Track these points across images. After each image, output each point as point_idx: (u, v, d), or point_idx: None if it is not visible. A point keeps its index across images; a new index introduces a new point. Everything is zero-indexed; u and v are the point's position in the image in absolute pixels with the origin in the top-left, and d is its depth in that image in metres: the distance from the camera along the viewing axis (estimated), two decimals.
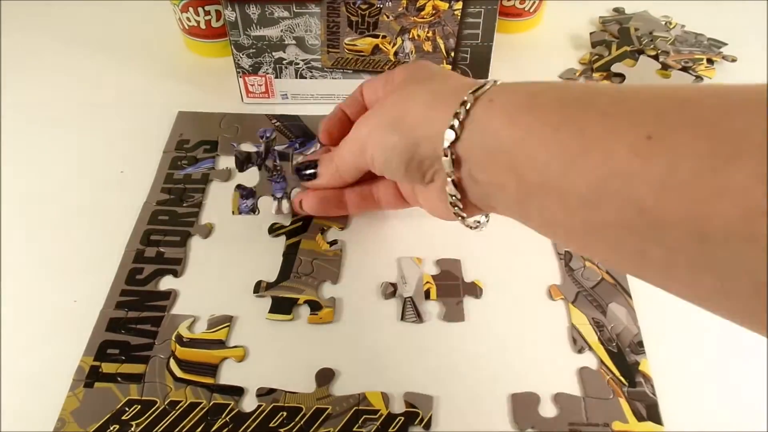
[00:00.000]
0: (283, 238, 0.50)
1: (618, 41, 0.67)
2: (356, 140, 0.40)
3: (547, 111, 0.30)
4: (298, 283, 0.47)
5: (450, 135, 0.33)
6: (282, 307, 0.46)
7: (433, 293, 0.46)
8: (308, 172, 0.46)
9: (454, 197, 0.35)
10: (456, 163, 0.34)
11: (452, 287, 0.46)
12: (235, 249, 0.50)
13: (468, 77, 0.38)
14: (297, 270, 0.48)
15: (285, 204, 0.50)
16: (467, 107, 0.33)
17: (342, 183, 0.45)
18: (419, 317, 0.45)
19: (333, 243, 0.50)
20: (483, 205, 0.36)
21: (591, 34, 0.69)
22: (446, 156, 0.34)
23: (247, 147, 0.53)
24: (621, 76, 0.63)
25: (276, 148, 0.49)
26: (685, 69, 0.64)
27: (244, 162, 0.50)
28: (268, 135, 0.50)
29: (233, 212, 0.50)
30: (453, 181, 0.34)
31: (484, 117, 0.32)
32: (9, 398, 0.41)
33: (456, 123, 0.33)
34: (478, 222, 0.39)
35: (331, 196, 0.47)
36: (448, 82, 0.37)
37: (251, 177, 0.50)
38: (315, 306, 0.46)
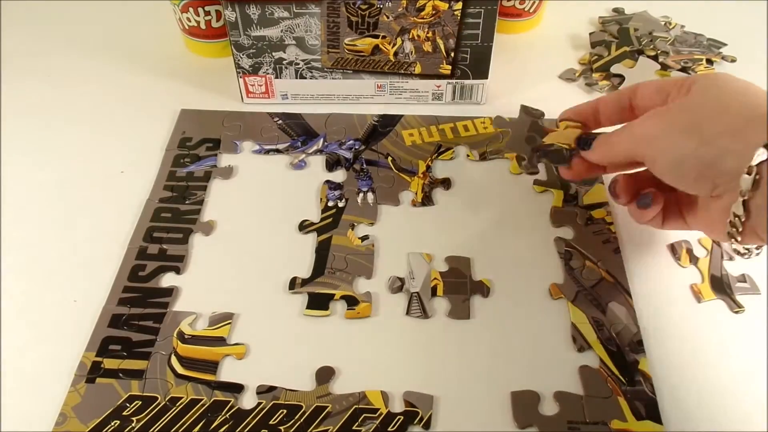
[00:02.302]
0: (308, 236, 0.50)
1: (617, 41, 0.68)
2: (640, 135, 0.39)
3: None
4: (333, 278, 0.47)
5: (763, 153, 0.32)
6: (319, 302, 0.46)
7: (440, 290, 0.46)
8: (587, 141, 0.44)
9: (737, 218, 0.34)
10: (756, 184, 0.32)
11: (459, 285, 0.47)
12: (238, 246, 0.50)
13: None
14: (331, 266, 0.48)
15: (370, 196, 0.52)
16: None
17: (608, 164, 0.44)
18: (424, 313, 0.45)
19: (364, 238, 0.50)
20: (765, 235, 0.34)
21: (590, 34, 0.70)
22: (749, 174, 0.32)
23: (339, 152, 0.57)
24: (620, 77, 0.63)
25: (363, 156, 0.56)
26: (684, 69, 0.64)
27: (333, 164, 0.55)
28: (356, 147, 0.57)
29: (321, 199, 0.53)
30: (744, 201, 0.33)
31: None
32: (11, 393, 0.41)
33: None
34: (748, 249, 0.39)
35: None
36: (764, 99, 0.35)
37: (336, 176, 0.55)
38: (351, 301, 0.46)
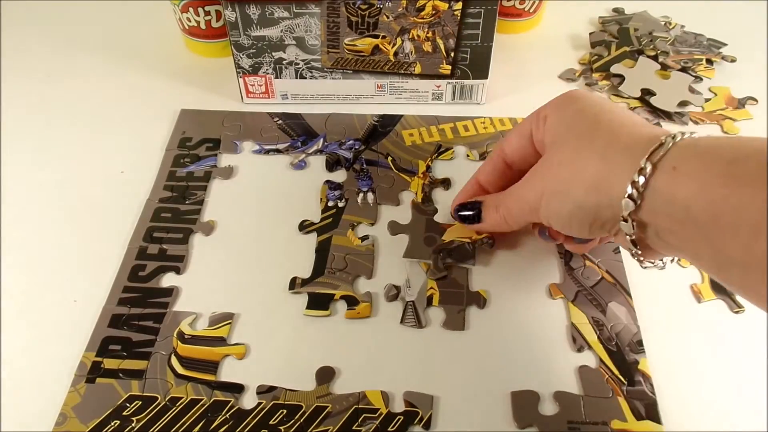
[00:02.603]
0: (308, 236, 0.50)
1: (617, 41, 0.68)
2: (525, 202, 0.40)
3: (753, 181, 0.28)
4: (333, 278, 0.47)
5: (629, 204, 0.33)
6: (319, 302, 0.46)
7: (436, 299, 0.46)
8: (470, 214, 0.46)
9: (635, 251, 0.36)
10: (639, 225, 0.34)
11: (456, 295, 0.46)
12: (238, 246, 0.50)
13: (637, 124, 0.36)
14: (330, 266, 0.48)
15: (370, 196, 0.53)
16: (646, 176, 0.32)
17: (507, 230, 0.45)
18: (419, 323, 0.45)
19: (364, 238, 0.50)
20: (670, 255, 0.36)
21: (590, 34, 0.70)
22: (625, 221, 0.34)
23: (339, 152, 0.57)
24: (620, 77, 0.63)
25: (363, 156, 0.57)
26: (684, 69, 0.64)
27: (333, 164, 0.55)
28: (357, 147, 0.57)
29: (321, 199, 0.53)
30: (633, 240, 0.35)
31: (667, 189, 0.31)
32: (11, 393, 0.41)
33: (635, 193, 0.32)
34: (662, 260, 0.40)
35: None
36: (618, 137, 0.35)
37: (336, 176, 0.55)
38: (352, 301, 0.46)
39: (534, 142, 0.42)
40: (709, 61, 0.65)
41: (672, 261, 0.40)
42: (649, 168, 0.32)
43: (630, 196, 0.33)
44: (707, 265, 0.32)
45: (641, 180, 0.32)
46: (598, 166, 0.35)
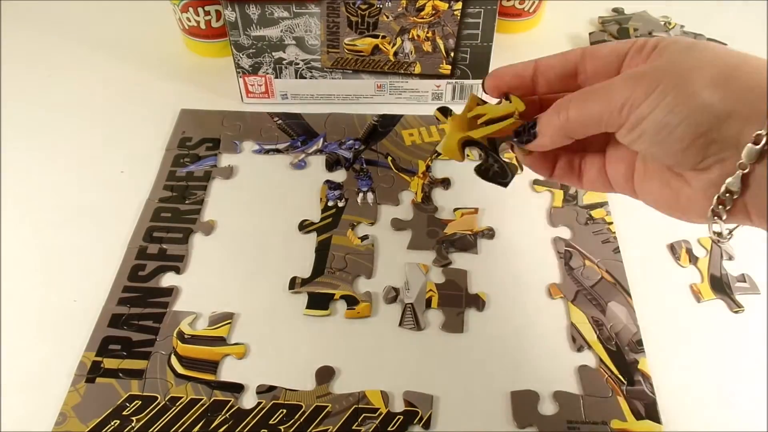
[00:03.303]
0: (308, 236, 0.50)
1: (620, 38, 0.67)
2: (618, 93, 0.32)
3: None
4: (333, 278, 0.47)
5: None
6: (319, 302, 0.46)
7: (435, 302, 0.46)
8: (528, 136, 0.37)
9: (728, 195, 0.30)
10: (761, 155, 0.28)
11: (455, 297, 0.46)
12: (238, 246, 0.50)
13: None
14: (330, 265, 0.48)
15: (369, 195, 0.52)
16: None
17: (568, 140, 0.36)
18: (417, 325, 0.45)
19: (364, 238, 0.50)
20: (761, 217, 0.30)
21: (590, 34, 0.70)
22: (756, 144, 0.28)
23: (339, 152, 0.57)
24: None
25: (363, 156, 0.56)
26: None
27: (333, 164, 0.55)
28: (356, 147, 0.57)
29: (321, 199, 0.52)
30: (742, 175, 0.29)
31: None
32: (11, 393, 0.41)
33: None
34: (730, 231, 0.33)
35: (543, 156, 0.39)
36: (756, 66, 0.30)
37: (336, 175, 0.55)
38: (351, 301, 0.46)
39: (624, 65, 0.35)
40: None
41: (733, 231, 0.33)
42: None
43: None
44: None
45: None
46: (751, 70, 0.29)
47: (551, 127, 0.36)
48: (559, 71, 0.38)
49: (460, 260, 0.48)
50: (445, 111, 0.40)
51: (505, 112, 0.38)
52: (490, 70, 0.57)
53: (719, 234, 0.32)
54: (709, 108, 0.29)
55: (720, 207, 0.31)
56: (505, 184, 0.39)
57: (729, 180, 0.30)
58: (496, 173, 0.39)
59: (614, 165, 0.37)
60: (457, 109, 0.39)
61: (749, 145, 0.28)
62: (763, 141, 0.28)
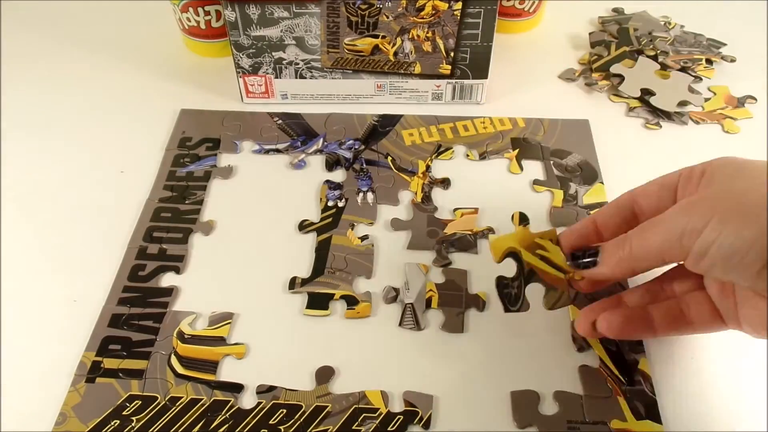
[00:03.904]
0: (308, 236, 0.50)
1: (617, 41, 0.68)
2: (676, 230, 0.33)
3: None
4: (333, 278, 0.47)
5: None
6: (318, 302, 0.46)
7: (435, 302, 0.46)
8: (587, 260, 0.39)
9: None
10: None
11: (455, 297, 0.46)
12: (238, 246, 0.50)
13: None
14: (330, 265, 0.48)
15: (369, 195, 0.53)
16: None
17: (630, 273, 0.38)
18: (417, 325, 0.45)
19: (364, 238, 0.50)
20: None
21: (590, 34, 0.70)
22: None
23: (339, 152, 0.57)
24: (620, 77, 0.63)
25: (363, 156, 0.56)
26: (684, 69, 0.64)
27: (333, 164, 0.55)
28: (356, 147, 0.57)
29: (321, 199, 0.52)
30: None
31: None
32: (11, 393, 0.41)
33: None
34: None
35: (636, 316, 0.39)
36: None
37: (336, 175, 0.55)
38: (351, 301, 0.46)
39: (678, 196, 0.37)
40: (709, 61, 0.65)
41: None
42: None
43: None
44: None
45: None
46: None
47: (614, 258, 0.37)
48: (618, 220, 0.40)
49: (460, 260, 0.48)
50: (522, 219, 0.48)
51: (564, 266, 0.41)
52: (489, 71, 0.58)
53: None
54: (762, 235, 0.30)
55: None
56: (507, 310, 0.44)
57: None
58: (509, 296, 0.44)
59: (717, 300, 0.37)
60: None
61: None
62: None
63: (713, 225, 0.31)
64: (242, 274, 0.48)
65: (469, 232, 0.50)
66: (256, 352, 0.44)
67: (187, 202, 0.53)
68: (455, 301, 0.46)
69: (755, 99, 0.62)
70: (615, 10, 0.73)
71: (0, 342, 0.44)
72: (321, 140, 0.58)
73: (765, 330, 0.34)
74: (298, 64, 0.58)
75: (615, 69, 0.64)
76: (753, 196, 0.31)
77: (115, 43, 0.69)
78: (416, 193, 0.53)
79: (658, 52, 0.65)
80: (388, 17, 0.54)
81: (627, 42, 0.67)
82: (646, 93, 0.62)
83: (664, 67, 0.64)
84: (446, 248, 0.49)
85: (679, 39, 0.68)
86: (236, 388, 0.41)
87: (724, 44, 0.68)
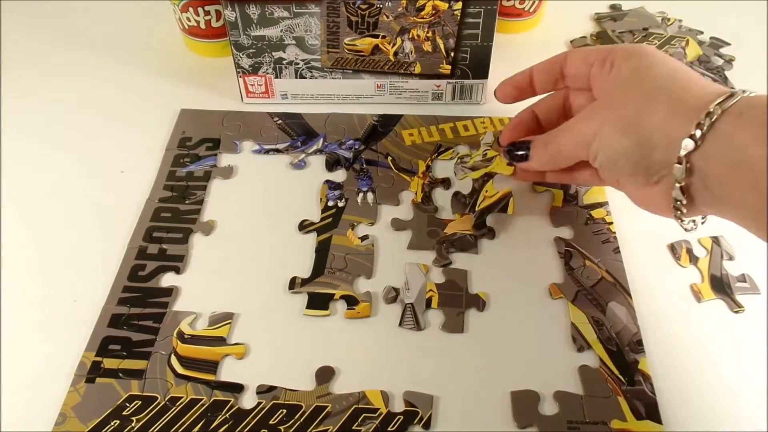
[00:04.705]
0: (308, 236, 0.50)
1: (600, 42, 0.67)
2: (581, 134, 0.40)
3: None
4: (333, 278, 0.47)
5: (689, 144, 0.33)
6: (319, 302, 0.46)
7: (435, 302, 0.46)
8: (520, 153, 0.46)
9: (679, 202, 0.36)
10: (688, 171, 0.34)
11: (455, 297, 0.46)
12: (238, 246, 0.50)
13: (709, 83, 0.37)
14: (330, 265, 0.48)
15: (369, 195, 0.52)
16: (712, 119, 0.33)
17: (554, 168, 0.46)
18: (417, 325, 0.45)
19: (364, 238, 0.50)
20: (710, 210, 0.37)
21: (571, 41, 0.69)
22: (680, 164, 0.34)
23: (339, 152, 0.57)
24: None
25: (363, 156, 0.57)
26: None
27: (333, 164, 0.55)
28: (356, 147, 0.57)
29: (321, 199, 0.52)
30: (681, 187, 0.35)
31: (730, 131, 0.33)
32: (11, 393, 0.41)
33: (698, 133, 0.33)
34: (694, 222, 0.39)
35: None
36: (691, 89, 0.36)
37: (336, 175, 0.55)
38: (351, 301, 0.46)
39: (591, 80, 0.42)
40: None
41: (702, 222, 0.40)
42: (718, 112, 0.33)
43: (692, 136, 0.33)
44: (748, 214, 0.33)
45: (707, 122, 0.33)
46: (669, 109, 0.35)
47: (541, 157, 0.44)
48: (549, 77, 0.46)
49: (460, 260, 0.48)
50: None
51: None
52: (490, 71, 0.58)
53: (686, 227, 0.39)
54: (642, 142, 0.36)
55: (678, 204, 0.36)
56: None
57: (673, 192, 0.36)
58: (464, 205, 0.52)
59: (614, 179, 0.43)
60: None
61: (676, 165, 0.34)
62: (684, 161, 0.34)
63: (600, 135, 0.38)
64: (242, 274, 0.48)
65: (470, 232, 0.50)
66: (256, 352, 0.44)
67: (187, 202, 0.53)
68: (455, 301, 0.46)
69: None
70: (612, 6, 0.73)
71: (0, 342, 0.44)
72: (321, 140, 0.58)
73: (644, 207, 0.41)
74: (298, 64, 0.58)
75: None
76: (633, 106, 0.37)
77: (115, 43, 0.69)
78: (416, 193, 0.53)
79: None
80: (388, 17, 0.54)
81: (609, 42, 0.67)
82: None
83: None
84: (446, 248, 0.49)
85: (702, 59, 0.66)
86: (236, 388, 0.41)
87: (728, 44, 0.67)
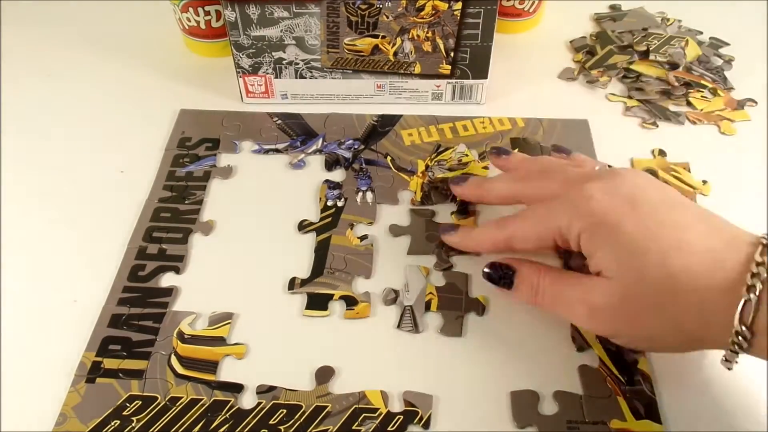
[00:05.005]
0: (307, 236, 0.50)
1: (600, 42, 0.68)
2: (579, 313, 0.39)
3: None
4: (332, 278, 0.47)
5: (743, 340, 0.32)
6: (318, 303, 0.46)
7: (434, 305, 0.46)
8: (500, 279, 0.43)
9: (730, 360, 0.35)
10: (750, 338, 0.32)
11: (455, 301, 0.46)
12: (237, 246, 0.50)
13: (721, 223, 0.35)
14: (330, 266, 0.48)
15: (369, 195, 0.52)
16: (756, 292, 0.31)
17: (505, 249, 0.43)
18: (415, 327, 0.45)
19: (363, 238, 0.50)
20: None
21: (571, 42, 0.69)
22: (741, 347, 0.33)
23: (339, 152, 0.57)
24: (617, 68, 0.64)
25: (362, 156, 0.57)
26: (686, 84, 0.62)
27: (332, 164, 0.55)
28: (356, 147, 0.57)
29: (320, 199, 0.52)
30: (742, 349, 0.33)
31: None
32: (11, 393, 0.41)
33: (750, 317, 0.31)
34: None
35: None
36: (696, 275, 0.34)
37: (335, 175, 0.55)
38: (350, 301, 0.46)
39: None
40: (713, 92, 0.62)
41: None
42: (759, 284, 0.31)
43: (738, 332, 0.32)
44: None
45: (753, 299, 0.31)
46: (693, 318, 0.34)
47: (525, 297, 0.42)
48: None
49: (461, 263, 0.48)
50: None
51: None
52: (489, 71, 0.58)
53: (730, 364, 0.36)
54: (675, 336, 0.36)
55: (728, 362, 0.35)
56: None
57: (726, 353, 0.34)
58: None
59: None
60: None
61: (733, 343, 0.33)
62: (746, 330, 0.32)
63: (628, 322, 0.37)
64: (242, 274, 0.48)
65: None
66: (256, 352, 0.44)
67: (186, 202, 0.53)
68: (455, 304, 0.46)
69: (756, 102, 0.61)
70: (612, 7, 0.73)
71: (0, 342, 0.44)
72: (320, 140, 0.58)
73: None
74: (298, 64, 0.58)
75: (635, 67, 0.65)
76: (652, 323, 0.36)
77: (115, 43, 0.69)
78: (415, 193, 0.53)
79: (651, 48, 0.65)
80: (388, 17, 0.54)
81: (608, 41, 0.67)
82: (664, 93, 0.62)
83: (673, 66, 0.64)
84: (446, 251, 0.49)
85: (702, 59, 0.66)
86: (236, 388, 0.41)
87: (728, 44, 0.67)
